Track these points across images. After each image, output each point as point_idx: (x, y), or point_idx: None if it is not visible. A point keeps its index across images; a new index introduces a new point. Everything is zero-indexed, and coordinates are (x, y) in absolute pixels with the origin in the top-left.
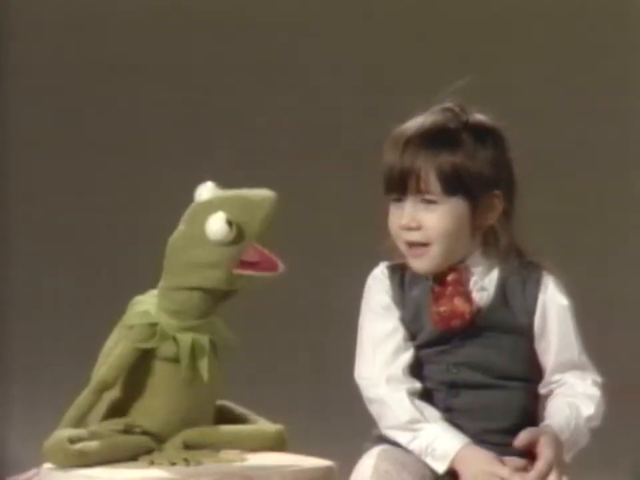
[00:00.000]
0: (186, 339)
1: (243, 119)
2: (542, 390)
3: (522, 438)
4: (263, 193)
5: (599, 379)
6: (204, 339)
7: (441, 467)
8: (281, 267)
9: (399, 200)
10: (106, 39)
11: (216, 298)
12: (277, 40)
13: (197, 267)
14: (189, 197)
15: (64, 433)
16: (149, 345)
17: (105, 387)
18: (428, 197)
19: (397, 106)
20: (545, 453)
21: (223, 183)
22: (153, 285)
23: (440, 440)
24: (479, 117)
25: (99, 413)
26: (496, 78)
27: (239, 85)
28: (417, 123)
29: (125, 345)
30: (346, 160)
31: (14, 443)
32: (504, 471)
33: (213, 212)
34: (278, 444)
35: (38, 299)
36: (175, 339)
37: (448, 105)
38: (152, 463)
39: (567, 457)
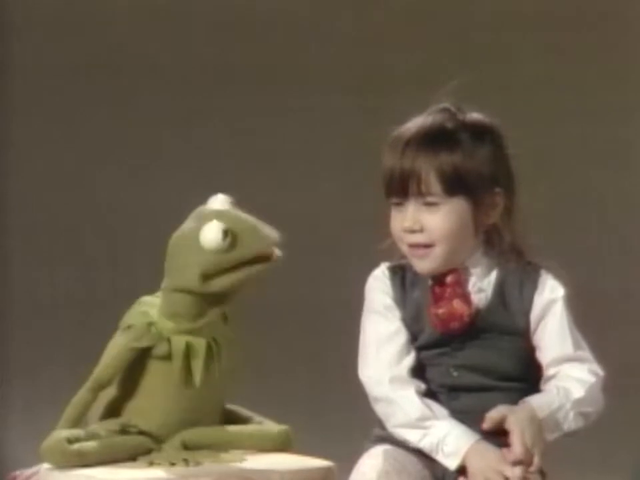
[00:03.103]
0: (179, 341)
1: (243, 119)
2: (543, 386)
3: (490, 418)
4: (271, 231)
5: (599, 371)
6: (199, 342)
7: (452, 464)
8: (275, 254)
9: (400, 203)
10: (107, 39)
11: (206, 301)
12: (277, 40)
13: (179, 267)
14: (189, 196)
15: (62, 433)
16: (143, 344)
17: (100, 386)
18: (429, 198)
19: (397, 106)
20: (515, 436)
21: (222, 182)
22: (152, 286)
23: (451, 436)
24: (476, 115)
25: (98, 412)
26: (495, 77)
27: (239, 84)
28: (415, 124)
29: (121, 344)
30: (346, 160)
31: (13, 442)
32: (509, 471)
33: (214, 219)
34: (282, 445)
35: (37, 299)
36: (169, 341)
37: (444, 105)
38: (151, 464)
39: (549, 437)
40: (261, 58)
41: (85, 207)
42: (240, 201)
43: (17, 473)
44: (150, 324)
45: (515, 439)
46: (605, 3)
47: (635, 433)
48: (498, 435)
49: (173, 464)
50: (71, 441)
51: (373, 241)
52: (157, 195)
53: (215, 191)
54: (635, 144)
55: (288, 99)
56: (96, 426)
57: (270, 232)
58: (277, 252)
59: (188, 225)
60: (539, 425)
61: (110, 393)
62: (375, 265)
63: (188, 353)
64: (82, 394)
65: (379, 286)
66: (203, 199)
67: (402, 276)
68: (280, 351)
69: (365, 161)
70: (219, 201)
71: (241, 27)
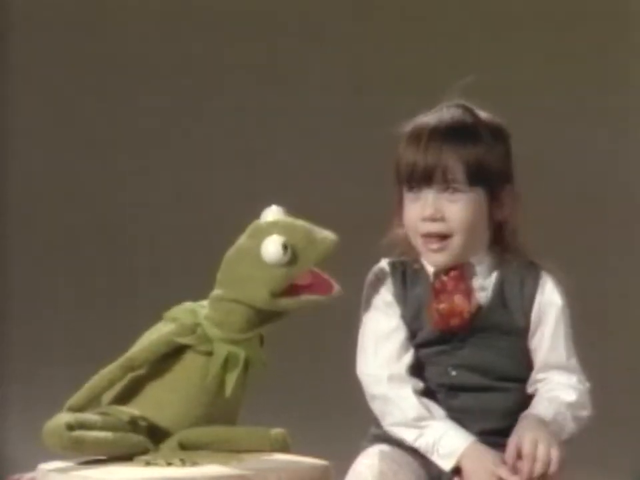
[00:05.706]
0: (221, 349)
1: (243, 119)
2: (529, 389)
3: (510, 454)
4: (327, 234)
5: (586, 382)
6: (240, 354)
7: (447, 465)
8: (336, 289)
9: (418, 193)
10: (107, 38)
11: (259, 316)
12: (277, 40)
13: (242, 280)
14: (189, 196)
15: (64, 417)
16: (184, 341)
17: (131, 366)
18: (454, 185)
19: (397, 106)
20: (525, 438)
21: (222, 182)
22: (152, 286)
23: (447, 437)
24: (486, 114)
25: (112, 393)
26: (496, 78)
27: (239, 84)
28: (434, 118)
29: (163, 332)
30: (346, 160)
31: (13, 442)
32: (505, 473)
33: (273, 233)
34: (278, 448)
35: (36, 299)
36: (211, 344)
37: (458, 101)
38: (147, 464)
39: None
40: (260, 58)
41: (85, 206)
42: (239, 201)
43: (16, 476)
44: (197, 324)
45: (510, 443)
46: (604, 2)
47: (635, 433)
48: (496, 435)
49: (169, 464)
50: (72, 426)
51: (373, 238)
52: (157, 195)
53: (215, 190)
54: (634, 144)
55: (288, 99)
56: (107, 408)
57: (326, 235)
58: (337, 288)
59: (245, 239)
60: (546, 427)
61: (135, 376)
62: (374, 262)
63: (227, 362)
64: (112, 368)
65: (379, 282)
66: (203, 199)
67: (402, 272)
68: (277, 350)
69: (365, 160)
70: (272, 212)
71: (241, 27)
